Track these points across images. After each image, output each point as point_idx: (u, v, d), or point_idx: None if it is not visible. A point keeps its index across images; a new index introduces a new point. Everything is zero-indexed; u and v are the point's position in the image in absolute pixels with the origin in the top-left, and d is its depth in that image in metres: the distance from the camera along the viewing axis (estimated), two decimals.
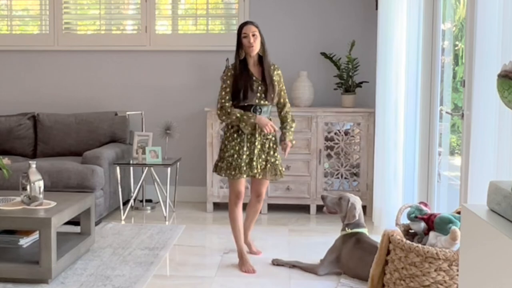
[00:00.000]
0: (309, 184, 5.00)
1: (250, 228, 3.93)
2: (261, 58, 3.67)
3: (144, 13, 5.51)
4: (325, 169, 5.01)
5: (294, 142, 3.80)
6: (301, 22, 5.39)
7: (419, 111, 3.78)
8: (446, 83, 3.78)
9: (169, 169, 4.88)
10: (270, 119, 3.68)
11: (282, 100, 3.78)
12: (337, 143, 4.99)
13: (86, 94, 5.61)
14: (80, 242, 3.68)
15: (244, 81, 3.60)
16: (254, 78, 3.64)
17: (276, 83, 3.69)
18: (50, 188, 4.30)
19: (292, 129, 3.79)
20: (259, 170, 3.64)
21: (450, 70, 3.87)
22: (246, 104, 3.60)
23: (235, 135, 3.64)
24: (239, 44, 3.65)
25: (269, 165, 3.68)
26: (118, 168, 4.86)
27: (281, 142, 3.76)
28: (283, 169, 3.80)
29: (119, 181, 4.89)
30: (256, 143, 3.62)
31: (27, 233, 3.61)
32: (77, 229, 3.92)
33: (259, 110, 3.63)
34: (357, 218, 3.50)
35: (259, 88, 3.63)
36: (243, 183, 3.69)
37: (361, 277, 3.32)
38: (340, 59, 5.18)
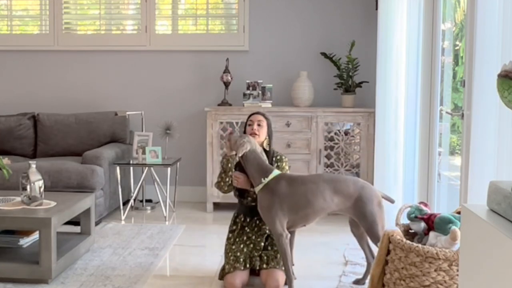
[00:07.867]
0: None
1: None
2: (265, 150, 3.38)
3: (144, 13, 5.51)
4: (325, 169, 5.01)
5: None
6: (301, 22, 5.39)
7: (419, 111, 3.78)
8: (446, 83, 3.78)
9: (169, 169, 4.88)
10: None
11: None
12: (337, 143, 4.99)
13: (86, 94, 5.60)
14: (80, 242, 3.68)
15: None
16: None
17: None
18: (50, 188, 4.30)
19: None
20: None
21: (450, 70, 3.87)
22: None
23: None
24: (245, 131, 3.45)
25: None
26: (118, 168, 4.86)
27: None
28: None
29: (119, 181, 4.89)
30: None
31: (27, 233, 3.61)
32: (77, 229, 3.92)
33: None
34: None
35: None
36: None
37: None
38: (340, 59, 5.17)
